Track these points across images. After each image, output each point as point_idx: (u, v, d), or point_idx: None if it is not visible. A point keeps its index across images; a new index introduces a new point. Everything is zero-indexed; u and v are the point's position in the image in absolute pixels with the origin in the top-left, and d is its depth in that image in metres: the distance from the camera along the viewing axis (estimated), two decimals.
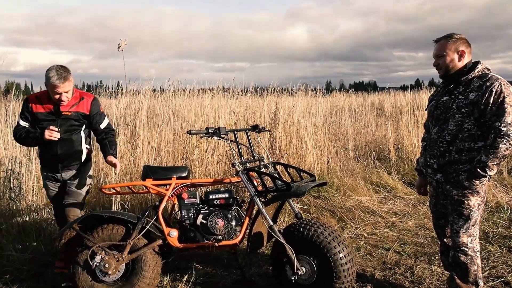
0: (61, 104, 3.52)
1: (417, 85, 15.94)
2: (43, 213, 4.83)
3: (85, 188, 3.76)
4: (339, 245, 3.01)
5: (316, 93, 9.48)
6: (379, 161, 7.45)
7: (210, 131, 3.23)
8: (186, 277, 3.59)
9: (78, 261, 3.19)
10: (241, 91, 8.48)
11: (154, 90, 7.79)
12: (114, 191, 3.52)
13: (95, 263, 3.11)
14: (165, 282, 3.58)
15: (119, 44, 5.81)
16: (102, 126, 3.78)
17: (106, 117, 3.86)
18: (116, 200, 4.82)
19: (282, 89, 9.23)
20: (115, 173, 3.59)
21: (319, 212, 5.13)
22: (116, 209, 4.79)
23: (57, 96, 3.44)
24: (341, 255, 2.99)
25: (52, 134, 3.41)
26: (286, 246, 3.04)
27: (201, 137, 3.29)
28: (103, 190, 3.50)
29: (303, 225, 3.16)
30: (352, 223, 4.86)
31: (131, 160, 5.77)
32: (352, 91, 16.29)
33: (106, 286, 3.19)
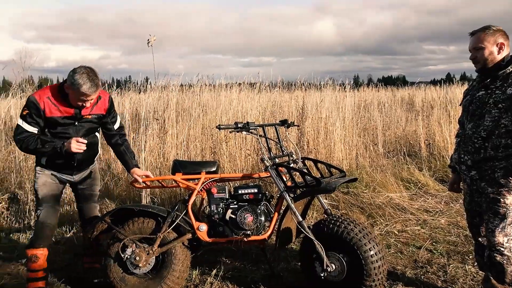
0: (82, 108, 3.15)
1: (448, 80, 15.56)
2: (73, 207, 4.93)
3: (98, 188, 3.62)
4: (370, 242, 2.96)
5: (344, 88, 9.36)
6: (409, 157, 7.31)
7: (239, 125, 3.23)
8: (214, 271, 3.62)
9: (109, 253, 3.24)
10: (268, 86, 8.46)
11: (182, 86, 7.83)
12: (144, 185, 3.55)
13: (126, 256, 3.15)
14: (194, 276, 3.62)
15: (148, 40, 5.85)
16: (116, 126, 3.48)
17: (118, 115, 3.56)
18: (146, 194, 4.89)
19: (310, 84, 9.15)
20: (140, 182, 3.45)
21: (348, 209, 5.07)
22: (146, 202, 4.86)
23: (81, 103, 3.08)
24: (371, 252, 2.94)
25: (81, 146, 3.06)
26: (316, 242, 3.01)
27: (230, 132, 3.29)
28: (133, 184, 3.55)
29: (332, 221, 3.12)
30: (382, 220, 4.79)
31: (160, 154, 5.83)
32: (381, 85, 16.03)
33: (136, 279, 3.24)
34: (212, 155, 5.53)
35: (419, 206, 5.28)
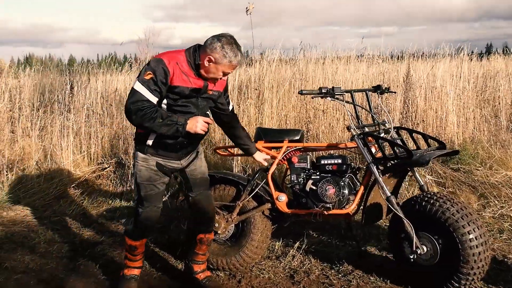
0: (212, 82, 2.66)
1: None
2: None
3: (207, 170, 3.06)
4: (469, 225, 2.57)
5: (470, 58, 8.34)
6: None
7: (323, 91, 2.98)
8: (297, 243, 3.48)
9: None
10: (379, 56, 7.85)
11: (287, 59, 7.59)
12: (228, 152, 3.51)
13: None
14: (277, 247, 3.53)
15: (247, 8, 5.78)
16: (231, 107, 3.00)
17: None
18: (237, 162, 4.88)
19: (425, 53, 8.29)
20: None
21: (457, 187, 4.53)
22: (237, 171, 4.85)
23: (220, 76, 2.59)
24: (471, 236, 2.55)
25: (206, 128, 2.58)
26: (405, 221, 2.70)
27: (312, 97, 3.06)
28: (218, 151, 3.52)
29: (426, 198, 2.77)
30: (496, 202, 4.18)
31: (258, 124, 5.78)
32: None
33: (216, 245, 3.24)
34: (307, 125, 5.32)
35: None
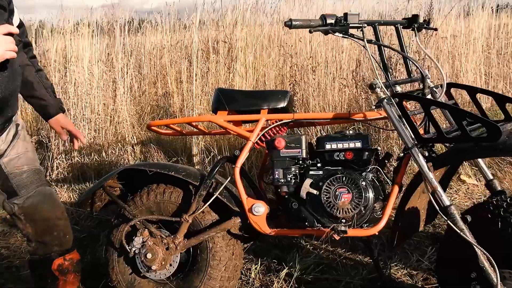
0: None
1: None
2: (107, 154, 3.77)
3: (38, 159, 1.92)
4: None
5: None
6: None
7: (328, 21, 1.67)
8: (285, 269, 2.25)
9: (112, 241, 2.01)
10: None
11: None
12: (169, 129, 2.21)
13: (133, 249, 1.88)
14: (253, 274, 2.29)
15: None
16: (15, 21, 1.70)
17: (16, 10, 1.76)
18: (196, 141, 3.52)
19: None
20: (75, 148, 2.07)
21: (497, 168, 3.35)
22: (196, 153, 3.49)
23: None
24: None
25: (13, 44, 1.50)
26: (480, 252, 1.49)
27: (310, 32, 1.73)
28: (152, 127, 2.19)
29: (511, 208, 1.54)
30: None
31: (227, 87, 4.48)
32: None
33: (152, 284, 1.99)
34: (292, 86, 4.02)
35: None
